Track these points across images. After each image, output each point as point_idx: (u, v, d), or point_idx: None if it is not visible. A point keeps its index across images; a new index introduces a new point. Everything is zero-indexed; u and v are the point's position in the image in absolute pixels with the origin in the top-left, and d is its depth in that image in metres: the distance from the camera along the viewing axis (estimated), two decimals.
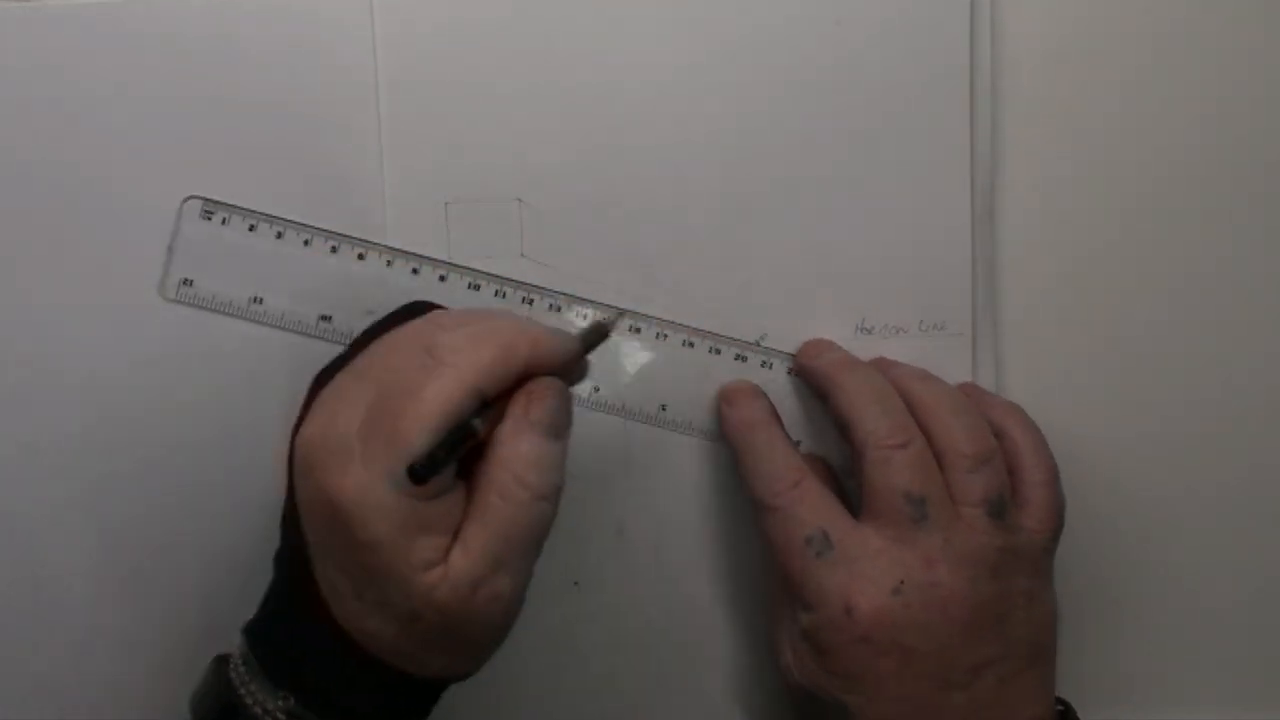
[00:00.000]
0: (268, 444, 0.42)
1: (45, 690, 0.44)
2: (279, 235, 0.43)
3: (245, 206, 0.42)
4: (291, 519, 0.36)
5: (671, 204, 0.43)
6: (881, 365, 0.43)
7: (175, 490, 0.43)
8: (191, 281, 0.43)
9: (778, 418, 0.43)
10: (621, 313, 0.43)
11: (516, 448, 0.34)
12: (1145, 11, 0.44)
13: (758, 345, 0.44)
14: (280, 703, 0.35)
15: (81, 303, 0.43)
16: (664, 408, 0.44)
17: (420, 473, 0.33)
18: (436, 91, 0.43)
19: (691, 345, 0.44)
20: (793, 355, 0.44)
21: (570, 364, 0.37)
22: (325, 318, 0.43)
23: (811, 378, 0.43)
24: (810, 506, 0.40)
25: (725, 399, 0.43)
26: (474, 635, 0.35)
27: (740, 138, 0.43)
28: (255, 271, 0.42)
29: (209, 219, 0.42)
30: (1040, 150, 0.44)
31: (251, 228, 0.42)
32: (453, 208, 0.43)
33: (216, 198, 0.42)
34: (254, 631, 0.37)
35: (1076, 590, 0.45)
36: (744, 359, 0.44)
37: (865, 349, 0.44)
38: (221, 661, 0.37)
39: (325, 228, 0.43)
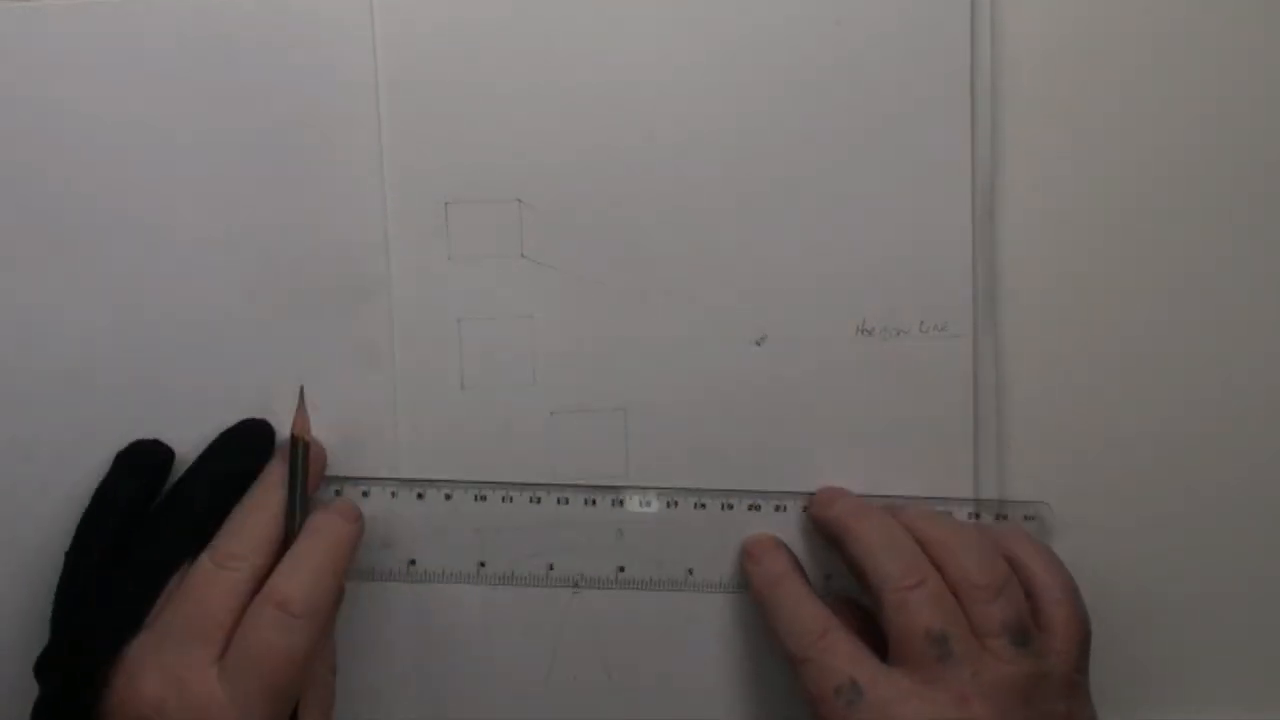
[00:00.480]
0: None
1: None
2: None
3: None
4: None
5: (671, 204, 0.43)
6: (890, 510, 0.43)
7: None
8: None
9: (800, 569, 0.43)
10: (300, 396, 0.42)
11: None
12: (1145, 11, 0.44)
13: (777, 494, 0.44)
14: None
15: (77, 307, 0.42)
16: (691, 571, 0.44)
17: None
18: (436, 91, 0.43)
19: (704, 506, 0.44)
20: (809, 496, 0.44)
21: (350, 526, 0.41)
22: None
23: (824, 527, 0.43)
24: (839, 655, 0.40)
25: (749, 555, 0.44)
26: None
27: (740, 138, 0.43)
28: None
29: None
30: (1040, 150, 0.44)
31: None
32: (453, 208, 0.43)
33: (215, 195, 0.42)
34: None
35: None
36: (757, 507, 0.44)
37: (865, 349, 0.44)
38: None
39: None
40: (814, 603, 0.42)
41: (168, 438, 0.43)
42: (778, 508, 0.44)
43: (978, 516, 0.44)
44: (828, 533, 0.43)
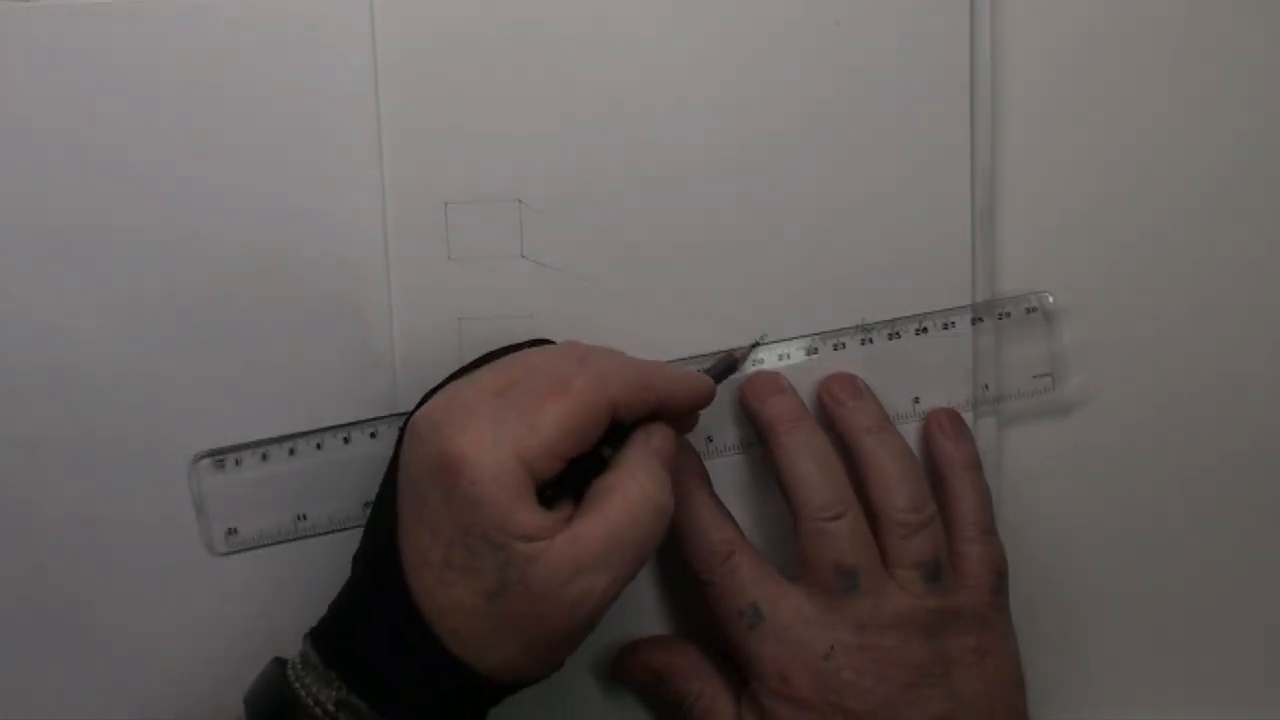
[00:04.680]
0: None
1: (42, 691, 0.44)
2: (291, 452, 0.43)
3: (249, 441, 0.43)
4: (383, 503, 0.37)
5: (671, 204, 0.43)
6: (836, 401, 0.43)
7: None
8: (236, 530, 0.43)
9: (705, 478, 0.43)
10: (757, 343, 0.43)
11: (643, 464, 0.36)
12: (1145, 11, 0.44)
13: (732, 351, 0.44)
14: (334, 693, 0.35)
15: (77, 307, 0.43)
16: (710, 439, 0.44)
17: (551, 495, 0.35)
18: (436, 91, 0.43)
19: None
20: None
21: (700, 403, 0.39)
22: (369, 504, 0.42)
23: (755, 422, 0.43)
24: (742, 579, 0.41)
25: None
26: (552, 628, 0.35)
27: (740, 138, 0.43)
28: (289, 494, 0.43)
29: (221, 468, 0.43)
30: (1040, 150, 0.44)
31: (264, 457, 0.43)
32: (453, 208, 0.43)
33: (215, 195, 0.42)
34: (317, 632, 0.37)
35: (1076, 590, 0.46)
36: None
37: (865, 349, 0.44)
38: (279, 662, 0.37)
39: (330, 424, 0.43)
40: (719, 521, 0.42)
41: (169, 438, 0.43)
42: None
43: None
44: (756, 429, 0.43)
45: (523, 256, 0.43)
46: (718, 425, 0.44)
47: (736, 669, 0.42)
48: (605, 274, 0.43)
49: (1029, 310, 0.44)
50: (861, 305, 0.44)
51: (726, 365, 0.42)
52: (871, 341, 0.44)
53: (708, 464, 0.43)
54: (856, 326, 0.44)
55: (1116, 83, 0.44)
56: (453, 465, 0.34)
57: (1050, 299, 0.44)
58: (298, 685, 0.35)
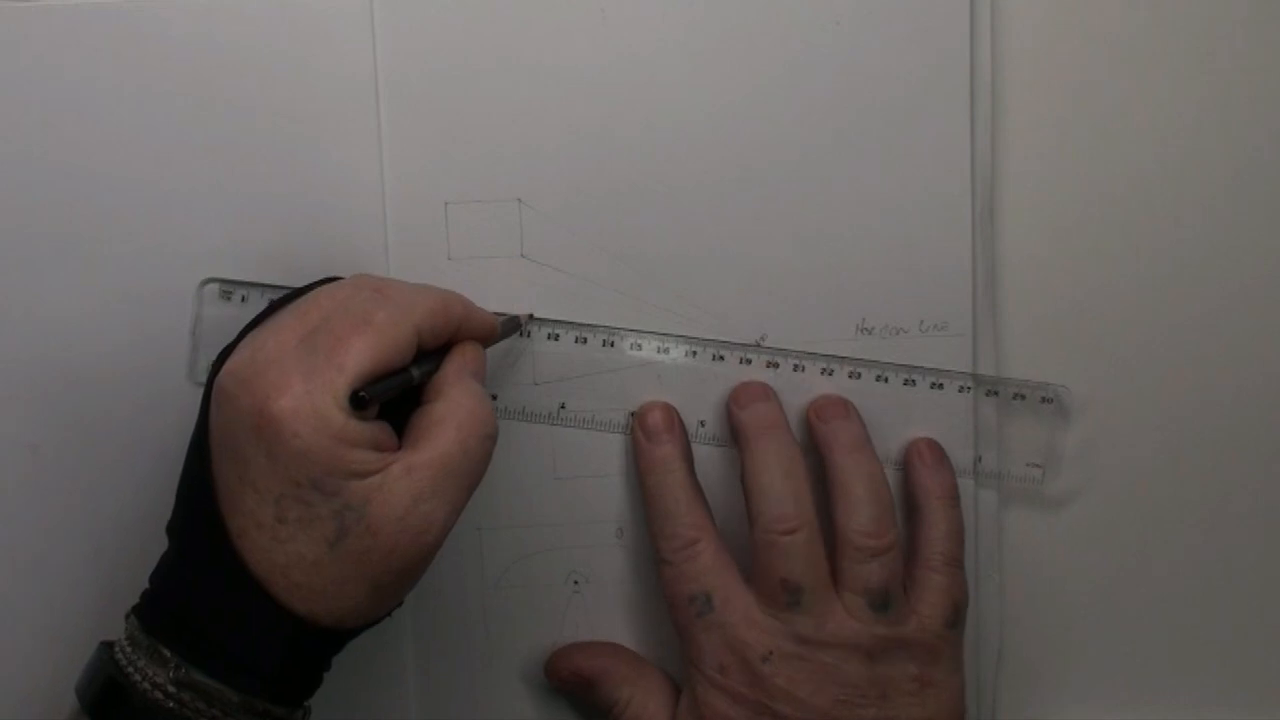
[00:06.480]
0: None
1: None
2: None
3: (262, 281, 0.43)
4: (194, 470, 0.36)
5: (671, 204, 0.43)
6: (820, 418, 0.43)
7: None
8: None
9: (689, 458, 0.43)
10: (531, 316, 0.43)
11: (467, 390, 0.37)
12: (1146, 11, 0.44)
13: (757, 346, 0.44)
14: (171, 673, 0.34)
15: (78, 307, 0.43)
16: (702, 423, 0.44)
17: (363, 399, 0.34)
18: (436, 91, 0.43)
19: (694, 354, 0.44)
20: (792, 352, 0.44)
21: (489, 336, 0.40)
22: None
23: (733, 426, 0.43)
24: (700, 566, 0.41)
25: (642, 426, 0.43)
26: (397, 562, 0.35)
27: (740, 138, 0.43)
28: None
29: (228, 299, 0.43)
30: (1040, 150, 0.44)
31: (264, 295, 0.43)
32: (453, 208, 0.43)
33: (215, 195, 0.42)
34: (143, 610, 0.36)
35: (1073, 590, 0.46)
36: (748, 361, 0.44)
37: (865, 349, 0.44)
38: (107, 646, 0.36)
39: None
40: (691, 504, 0.42)
41: (170, 437, 0.43)
42: (769, 364, 0.43)
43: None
44: (733, 431, 0.43)
45: (523, 256, 0.43)
46: (713, 414, 0.44)
47: (668, 676, 0.43)
48: (605, 274, 0.43)
49: (1044, 400, 0.44)
50: (861, 305, 0.44)
51: (512, 324, 0.42)
52: (887, 380, 0.44)
53: (697, 448, 0.43)
54: (872, 361, 0.44)
55: (1116, 82, 0.44)
56: (272, 423, 0.33)
57: (1068, 390, 0.44)
58: (130, 669, 0.34)
